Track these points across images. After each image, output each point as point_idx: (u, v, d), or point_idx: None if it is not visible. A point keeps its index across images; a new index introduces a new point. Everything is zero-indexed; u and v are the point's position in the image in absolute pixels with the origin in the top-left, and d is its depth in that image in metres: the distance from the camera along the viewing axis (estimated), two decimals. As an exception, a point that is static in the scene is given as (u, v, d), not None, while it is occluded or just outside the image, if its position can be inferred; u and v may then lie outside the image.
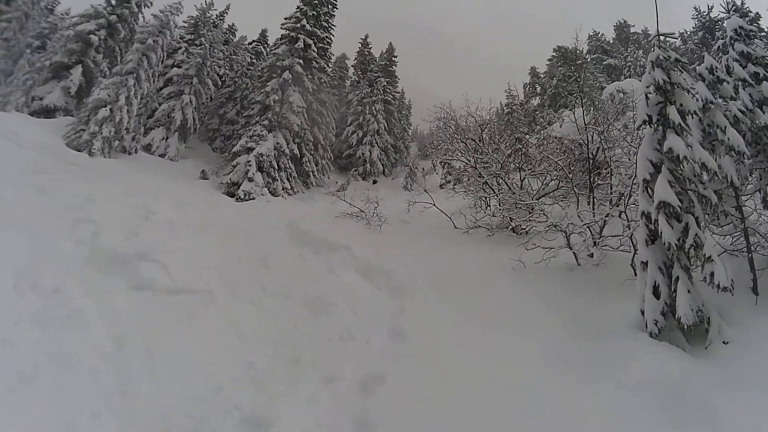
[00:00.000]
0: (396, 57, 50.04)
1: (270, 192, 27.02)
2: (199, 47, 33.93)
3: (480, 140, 19.83)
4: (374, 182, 35.20)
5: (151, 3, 33.26)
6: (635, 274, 9.55)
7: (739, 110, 9.06)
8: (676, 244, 7.95)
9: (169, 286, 9.85)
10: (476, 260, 12.90)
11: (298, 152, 30.22)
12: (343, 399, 7.13)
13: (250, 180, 26.18)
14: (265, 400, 6.88)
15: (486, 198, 18.55)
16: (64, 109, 28.06)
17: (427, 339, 8.86)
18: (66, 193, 13.84)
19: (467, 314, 9.65)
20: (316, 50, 32.48)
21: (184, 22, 36.69)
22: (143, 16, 32.83)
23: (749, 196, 9.68)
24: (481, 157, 18.84)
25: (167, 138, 30.41)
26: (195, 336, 8.22)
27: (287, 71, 30.18)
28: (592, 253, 11.85)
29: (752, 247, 8.95)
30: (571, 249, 12.01)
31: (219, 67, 35.80)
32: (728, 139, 8.51)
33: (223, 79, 37.04)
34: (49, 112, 27.37)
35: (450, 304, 10.20)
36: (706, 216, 8.90)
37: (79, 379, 6.41)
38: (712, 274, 7.71)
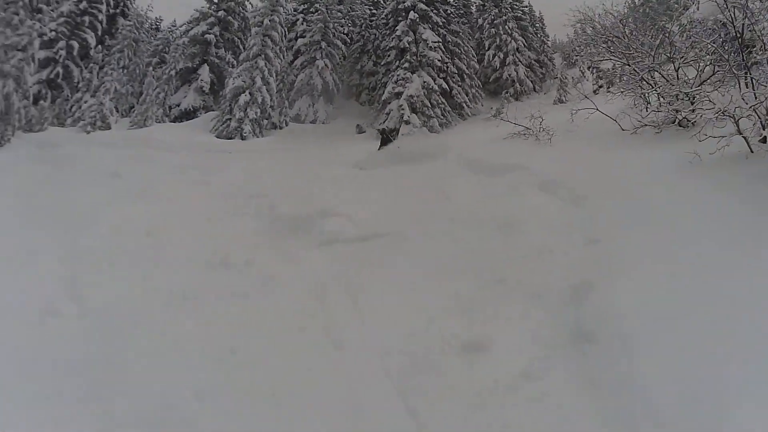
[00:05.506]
0: (515, -30, 48.40)
1: (429, 130, 27.84)
2: (317, 13, 35.41)
3: (624, 36, 19.15)
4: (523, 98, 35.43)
5: (253, -12, 34.73)
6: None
7: None
8: None
9: (357, 234, 10.46)
10: (650, 159, 12.58)
11: (446, 86, 30.82)
12: (556, 312, 7.06)
13: (407, 123, 27.17)
14: (479, 325, 6.96)
15: (645, 95, 17.84)
16: (203, 107, 30.92)
17: (624, 243, 8.40)
18: (229, 177, 15.08)
19: (655, 215, 9.22)
20: (434, -17, 32.05)
21: (291, -6, 37.82)
22: (250, 3, 35.91)
23: None
24: (630, 52, 18.27)
25: (313, 104, 32.92)
26: (395, 276, 8.54)
27: (412, 11, 30.58)
28: (765, 137, 11.10)
29: None
30: (742, 135, 11.22)
31: (342, 26, 37.06)
32: None
33: (349, 36, 38.38)
34: (189, 114, 30.36)
35: (637, 206, 9.82)
36: None
37: (288, 339, 6.85)
38: None
